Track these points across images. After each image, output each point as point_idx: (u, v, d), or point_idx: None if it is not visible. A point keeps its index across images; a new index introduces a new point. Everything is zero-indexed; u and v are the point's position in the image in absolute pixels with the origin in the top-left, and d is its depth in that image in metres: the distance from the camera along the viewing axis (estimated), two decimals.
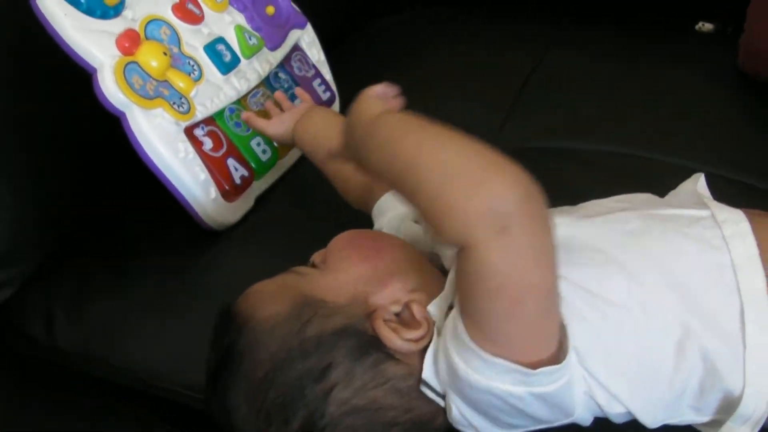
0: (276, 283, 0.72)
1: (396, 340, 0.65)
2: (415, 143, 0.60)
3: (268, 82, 1.03)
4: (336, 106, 1.12)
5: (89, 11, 0.87)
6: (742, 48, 1.12)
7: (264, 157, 0.98)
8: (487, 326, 0.59)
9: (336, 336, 0.66)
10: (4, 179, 0.93)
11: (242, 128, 0.97)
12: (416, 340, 0.65)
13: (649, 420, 0.65)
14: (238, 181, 0.94)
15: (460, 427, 0.66)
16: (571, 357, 0.60)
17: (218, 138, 0.94)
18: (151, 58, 0.89)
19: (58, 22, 0.86)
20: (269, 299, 0.69)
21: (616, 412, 0.64)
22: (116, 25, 0.88)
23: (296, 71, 1.08)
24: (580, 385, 0.63)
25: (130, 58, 0.87)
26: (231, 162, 0.94)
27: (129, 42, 0.88)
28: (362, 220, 0.87)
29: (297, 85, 1.06)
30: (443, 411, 0.66)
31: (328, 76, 1.12)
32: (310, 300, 0.68)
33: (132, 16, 0.91)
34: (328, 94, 1.10)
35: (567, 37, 1.25)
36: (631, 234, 0.68)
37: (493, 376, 0.59)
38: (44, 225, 0.96)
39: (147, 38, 0.90)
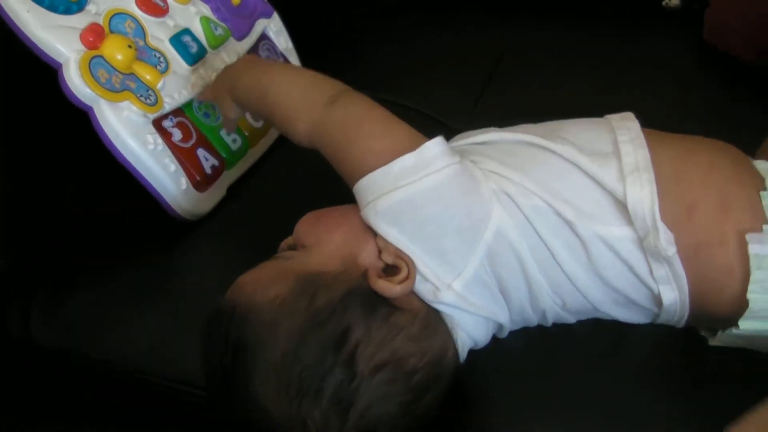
0: (266, 270, 0.74)
1: (393, 288, 0.70)
2: (261, 80, 0.81)
3: None
4: None
5: (52, 7, 0.87)
6: (707, 22, 1.13)
7: (234, 147, 0.98)
8: (355, 160, 0.73)
9: (345, 300, 0.70)
10: None
11: (211, 118, 0.97)
12: (404, 281, 0.71)
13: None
14: (208, 171, 0.94)
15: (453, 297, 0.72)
16: (437, 147, 0.72)
17: (187, 129, 0.94)
18: (116, 52, 0.89)
19: (20, 18, 0.85)
20: (266, 284, 0.71)
21: (530, 203, 0.72)
22: (80, 20, 0.88)
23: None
24: (485, 179, 0.73)
25: (95, 52, 0.87)
26: (201, 152, 0.94)
27: (93, 36, 0.88)
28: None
29: None
30: (452, 341, 0.72)
31: (297, 64, 1.12)
32: (307, 276, 0.71)
33: (96, 11, 0.90)
34: None
35: (533, 18, 1.25)
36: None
37: (389, 185, 0.70)
38: (17, 222, 0.96)
39: (111, 32, 0.90)
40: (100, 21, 0.90)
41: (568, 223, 0.72)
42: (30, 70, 0.88)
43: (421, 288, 0.72)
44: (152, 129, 0.90)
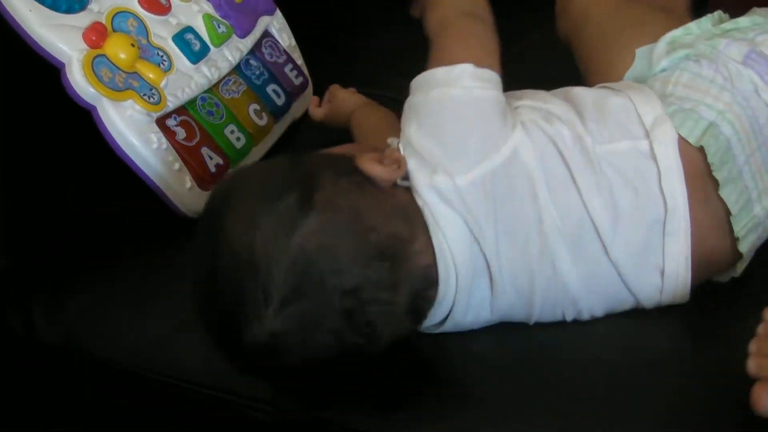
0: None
1: (375, 167, 0.74)
2: None
3: (239, 70, 1.03)
4: (309, 90, 1.12)
5: (54, 6, 0.87)
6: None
7: (238, 145, 0.98)
8: (435, 50, 0.80)
9: (324, 163, 0.76)
10: None
11: (215, 116, 0.97)
12: (390, 168, 0.74)
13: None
14: (213, 169, 0.94)
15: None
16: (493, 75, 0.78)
17: (191, 127, 0.94)
18: (119, 50, 0.88)
19: (23, 17, 0.85)
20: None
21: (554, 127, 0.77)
22: (82, 19, 0.88)
23: (267, 58, 1.07)
24: (514, 112, 0.78)
25: (97, 51, 0.87)
26: (205, 151, 0.94)
27: (96, 35, 0.88)
28: None
29: (268, 71, 1.06)
30: (429, 244, 0.73)
31: (299, 61, 1.12)
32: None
33: (98, 9, 0.90)
34: (300, 79, 1.10)
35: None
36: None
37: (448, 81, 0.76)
38: (17, 222, 0.96)
39: (114, 30, 0.90)
40: (103, 19, 0.90)
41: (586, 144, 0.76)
42: (29, 68, 0.88)
43: (417, 173, 0.74)
44: (156, 128, 0.90)
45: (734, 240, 0.77)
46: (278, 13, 1.12)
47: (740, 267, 0.80)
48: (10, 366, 0.95)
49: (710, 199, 0.77)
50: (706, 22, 0.88)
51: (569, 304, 0.78)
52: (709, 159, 0.76)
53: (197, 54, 0.96)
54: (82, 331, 0.91)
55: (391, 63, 1.12)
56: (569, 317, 0.78)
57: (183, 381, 0.85)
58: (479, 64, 0.77)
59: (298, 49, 1.13)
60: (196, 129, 0.94)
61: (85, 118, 0.87)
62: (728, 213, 0.76)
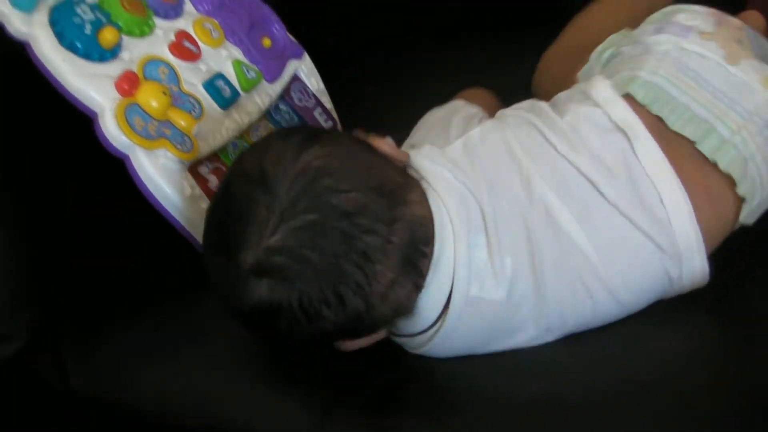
0: None
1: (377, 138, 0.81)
2: None
3: (269, 115, 1.02)
4: None
5: (87, 55, 0.86)
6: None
7: None
8: None
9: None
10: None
11: None
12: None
13: None
14: None
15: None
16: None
17: (223, 174, 0.93)
18: (151, 99, 0.88)
19: (56, 67, 0.85)
20: None
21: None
22: (114, 68, 0.88)
23: (297, 102, 1.07)
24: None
25: (130, 100, 0.87)
26: None
27: (128, 84, 0.87)
28: None
29: (298, 116, 1.06)
30: (424, 198, 0.78)
31: (328, 105, 1.12)
32: None
33: (129, 58, 0.90)
34: (330, 123, 1.10)
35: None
36: None
37: None
38: (40, 273, 0.95)
39: (146, 79, 0.90)
40: (134, 68, 0.89)
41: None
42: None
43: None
44: (188, 175, 0.89)
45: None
46: (306, 56, 1.11)
47: (746, 209, 0.82)
48: (44, 420, 0.93)
49: (671, 137, 0.81)
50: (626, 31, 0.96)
51: (587, 274, 0.77)
52: (649, 105, 0.82)
53: (228, 100, 0.96)
54: (115, 379, 0.90)
55: (421, 107, 1.11)
56: (595, 293, 0.78)
57: (214, 427, 0.84)
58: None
59: (326, 93, 1.12)
60: None
61: (118, 165, 0.87)
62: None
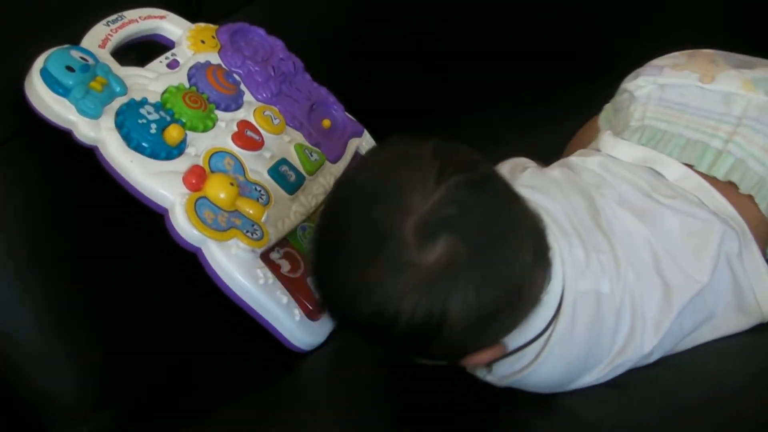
0: None
1: None
2: None
3: None
4: None
5: (154, 154, 0.88)
6: None
7: None
8: None
9: None
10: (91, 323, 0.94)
11: None
12: None
13: None
14: None
15: None
16: None
17: (295, 258, 0.93)
18: (219, 191, 0.89)
19: (125, 169, 0.87)
20: None
21: None
22: (181, 164, 0.89)
23: None
24: None
25: (199, 194, 0.88)
26: (310, 281, 0.93)
27: (196, 178, 0.88)
28: None
29: None
30: None
31: None
32: None
33: (195, 152, 0.91)
34: None
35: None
36: None
37: None
38: (115, 374, 0.96)
39: (212, 171, 0.91)
40: (201, 162, 0.91)
41: None
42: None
43: None
44: (261, 263, 0.90)
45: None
46: (366, 133, 1.12)
47: (763, 202, 0.85)
48: None
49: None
50: None
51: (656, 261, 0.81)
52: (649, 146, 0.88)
53: (293, 185, 0.97)
54: None
55: None
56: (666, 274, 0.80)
57: None
58: None
59: None
60: (300, 260, 0.94)
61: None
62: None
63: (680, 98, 0.90)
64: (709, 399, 0.77)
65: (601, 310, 0.78)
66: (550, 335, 0.76)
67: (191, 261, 0.88)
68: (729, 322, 0.83)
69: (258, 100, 1.01)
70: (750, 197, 0.85)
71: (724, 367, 0.82)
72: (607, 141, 0.91)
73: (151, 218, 0.88)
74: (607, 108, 0.98)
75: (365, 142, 1.12)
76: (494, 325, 0.70)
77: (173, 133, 0.89)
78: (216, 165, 0.92)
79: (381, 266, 0.64)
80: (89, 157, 0.88)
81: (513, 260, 0.67)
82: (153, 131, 0.88)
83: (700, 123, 0.88)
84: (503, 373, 0.78)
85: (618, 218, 0.82)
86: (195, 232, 0.86)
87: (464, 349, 0.71)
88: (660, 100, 0.90)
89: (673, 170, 0.86)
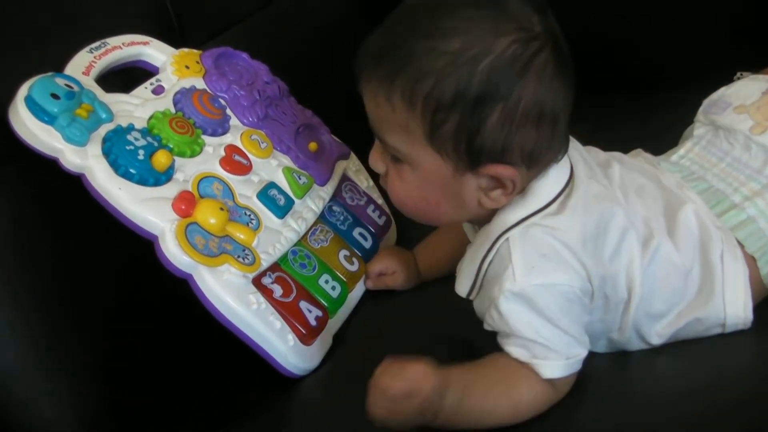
0: None
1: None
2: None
3: (324, 218, 1.02)
4: (392, 228, 1.11)
5: (142, 181, 0.87)
6: None
7: (334, 294, 0.96)
8: None
9: None
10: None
11: (308, 268, 0.95)
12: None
13: None
14: (313, 322, 0.92)
15: None
16: None
17: (287, 283, 0.92)
18: (209, 216, 0.88)
19: (113, 196, 0.86)
20: None
21: None
22: (170, 190, 0.88)
23: (349, 201, 1.07)
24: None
25: (189, 220, 0.87)
26: (303, 305, 0.92)
27: (185, 204, 0.87)
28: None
29: (352, 215, 1.05)
30: None
31: (379, 200, 1.11)
32: None
33: (183, 178, 0.90)
34: (383, 218, 1.09)
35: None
36: None
37: None
38: (123, 396, 0.94)
39: (201, 197, 0.90)
40: (189, 187, 0.90)
41: None
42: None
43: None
44: (253, 288, 0.89)
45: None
46: (353, 156, 1.12)
47: (764, 268, 0.85)
48: None
49: None
50: None
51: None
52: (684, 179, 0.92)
53: (283, 208, 0.96)
54: None
55: None
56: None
57: None
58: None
59: (376, 189, 1.12)
60: (292, 284, 0.93)
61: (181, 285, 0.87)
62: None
63: (726, 145, 0.92)
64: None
65: (612, 219, 0.80)
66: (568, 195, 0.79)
67: (183, 287, 0.87)
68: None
69: (244, 124, 1.01)
70: (753, 260, 0.85)
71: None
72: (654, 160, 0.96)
73: (141, 245, 0.87)
74: (686, 131, 1.00)
75: (352, 164, 1.11)
76: (528, 133, 0.74)
77: (161, 159, 0.88)
78: (205, 190, 0.91)
79: (487, 17, 0.73)
80: (77, 182, 0.86)
81: (567, 97, 0.75)
82: (141, 157, 0.87)
83: (729, 174, 0.89)
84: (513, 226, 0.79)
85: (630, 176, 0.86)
86: (186, 258, 0.85)
87: (499, 143, 0.74)
88: (708, 143, 0.94)
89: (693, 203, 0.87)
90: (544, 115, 0.74)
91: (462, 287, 0.82)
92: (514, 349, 0.78)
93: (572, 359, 0.77)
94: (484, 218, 0.81)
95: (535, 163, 0.77)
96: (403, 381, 0.73)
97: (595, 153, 0.87)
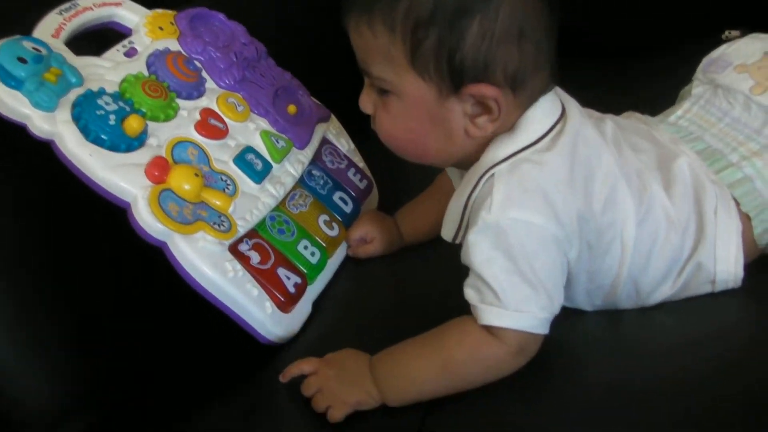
0: None
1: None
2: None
3: (303, 183, 1.00)
4: (374, 192, 1.09)
5: (113, 147, 0.84)
6: None
7: (313, 260, 0.94)
8: None
9: None
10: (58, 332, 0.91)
11: (286, 234, 0.94)
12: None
13: None
14: (292, 289, 0.90)
15: None
16: None
17: (264, 249, 0.91)
18: (183, 182, 0.86)
19: (84, 163, 0.83)
20: None
21: None
22: (143, 155, 0.86)
23: (329, 165, 1.05)
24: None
25: (162, 186, 0.85)
26: (282, 271, 0.90)
27: (158, 170, 0.85)
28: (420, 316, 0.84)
29: (332, 179, 1.03)
30: None
31: (361, 164, 1.09)
32: None
33: (157, 143, 0.88)
34: (364, 182, 1.07)
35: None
36: None
37: None
38: (96, 378, 0.92)
39: (176, 162, 0.88)
40: (163, 153, 0.88)
41: None
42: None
43: None
44: (230, 256, 0.87)
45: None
46: (333, 118, 1.10)
47: (757, 228, 0.85)
48: None
49: None
50: None
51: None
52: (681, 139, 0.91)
53: (260, 173, 0.94)
54: None
55: None
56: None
57: None
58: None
59: (357, 153, 1.10)
60: (270, 250, 0.91)
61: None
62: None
63: (725, 105, 0.92)
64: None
65: (601, 167, 0.79)
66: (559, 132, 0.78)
67: (157, 256, 0.85)
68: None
69: (221, 87, 0.98)
70: (748, 218, 0.85)
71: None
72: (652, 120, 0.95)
73: (116, 217, 0.85)
74: (683, 90, 0.99)
75: (333, 127, 1.09)
76: (509, 52, 0.74)
77: (133, 124, 0.86)
78: (179, 155, 0.89)
79: None
80: (47, 151, 0.84)
81: (549, 20, 0.75)
82: (112, 122, 0.85)
83: (728, 134, 0.89)
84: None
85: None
86: (159, 225, 0.83)
87: (480, 59, 0.73)
88: (707, 103, 0.93)
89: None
90: (524, 34, 0.73)
91: (447, 230, 0.82)
92: (467, 290, 0.77)
93: (524, 314, 0.75)
94: (472, 160, 0.79)
95: (521, 86, 0.76)
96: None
97: (588, 111, 0.86)
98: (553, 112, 0.79)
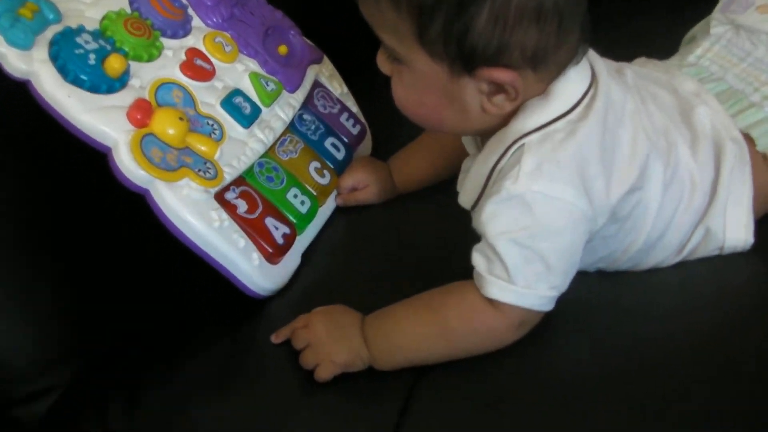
0: None
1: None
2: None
3: (293, 127, 0.96)
4: (368, 137, 1.05)
5: (93, 88, 0.80)
6: None
7: (303, 209, 0.91)
8: None
9: None
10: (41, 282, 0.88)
11: (275, 182, 0.90)
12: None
13: None
14: (280, 240, 0.87)
15: None
16: None
17: (252, 198, 0.87)
18: (167, 126, 0.82)
19: (62, 105, 0.79)
20: None
21: None
22: (124, 97, 0.82)
23: (321, 109, 1.01)
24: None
25: (145, 130, 0.81)
26: (270, 221, 0.87)
27: (141, 113, 0.81)
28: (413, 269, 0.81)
29: (324, 124, 0.99)
30: None
31: (354, 108, 1.05)
32: None
33: (140, 84, 0.84)
34: (358, 127, 1.03)
35: None
36: None
37: None
38: (84, 325, 0.90)
39: (159, 105, 0.84)
40: (146, 95, 0.84)
41: None
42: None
43: None
44: (215, 204, 0.83)
45: None
46: (326, 60, 1.05)
47: None
48: None
49: None
50: None
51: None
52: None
53: (249, 117, 0.90)
54: (161, 427, 0.84)
55: None
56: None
57: None
58: None
59: (351, 96, 1.06)
60: (258, 199, 0.88)
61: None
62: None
63: (748, 45, 0.89)
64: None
65: (630, 126, 0.75)
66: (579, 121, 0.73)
67: (139, 203, 0.81)
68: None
69: (208, 25, 0.94)
70: (765, 159, 0.83)
71: None
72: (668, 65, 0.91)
73: (95, 157, 0.81)
74: (695, 29, 0.96)
75: (325, 69, 1.05)
76: (527, 33, 0.67)
77: (114, 64, 0.81)
78: (163, 98, 0.85)
79: None
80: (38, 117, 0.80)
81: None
82: (92, 62, 0.81)
83: (750, 74, 0.86)
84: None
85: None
86: (141, 172, 0.79)
87: (493, 44, 0.67)
88: (728, 42, 0.90)
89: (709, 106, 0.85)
90: (543, 11, 0.67)
91: (467, 198, 0.77)
92: (475, 255, 0.73)
93: (532, 291, 0.72)
94: (495, 129, 0.75)
95: (543, 63, 0.70)
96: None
97: (606, 62, 0.80)
98: (583, 77, 0.74)
